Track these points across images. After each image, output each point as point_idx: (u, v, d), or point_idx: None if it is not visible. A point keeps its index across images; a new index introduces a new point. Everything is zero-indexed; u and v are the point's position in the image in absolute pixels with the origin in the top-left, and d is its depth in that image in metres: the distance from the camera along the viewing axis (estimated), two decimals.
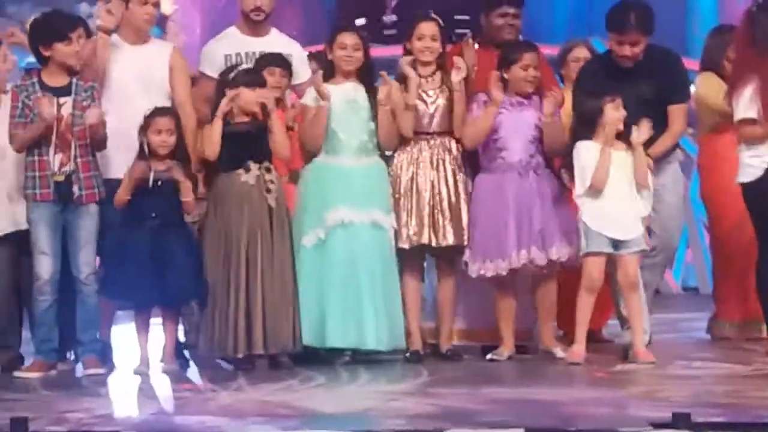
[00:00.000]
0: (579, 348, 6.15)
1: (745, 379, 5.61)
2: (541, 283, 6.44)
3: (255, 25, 6.80)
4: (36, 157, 6.22)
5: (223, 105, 6.15)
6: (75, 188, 6.22)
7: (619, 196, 6.12)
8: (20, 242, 6.41)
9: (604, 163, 6.08)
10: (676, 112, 6.62)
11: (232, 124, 6.23)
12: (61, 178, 6.22)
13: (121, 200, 6.19)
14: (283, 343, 6.19)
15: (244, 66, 6.36)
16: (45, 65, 6.35)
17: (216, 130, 6.15)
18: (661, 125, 6.47)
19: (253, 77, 6.26)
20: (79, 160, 6.23)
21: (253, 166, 6.20)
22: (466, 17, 8.98)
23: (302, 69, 6.82)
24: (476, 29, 7.34)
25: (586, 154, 6.15)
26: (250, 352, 6.15)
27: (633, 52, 6.48)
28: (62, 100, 6.24)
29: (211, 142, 6.15)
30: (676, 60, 6.80)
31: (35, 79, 6.34)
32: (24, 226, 6.32)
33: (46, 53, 6.30)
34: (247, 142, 6.22)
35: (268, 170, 6.23)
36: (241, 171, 6.19)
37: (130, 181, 6.13)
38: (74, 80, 6.31)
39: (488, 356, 6.33)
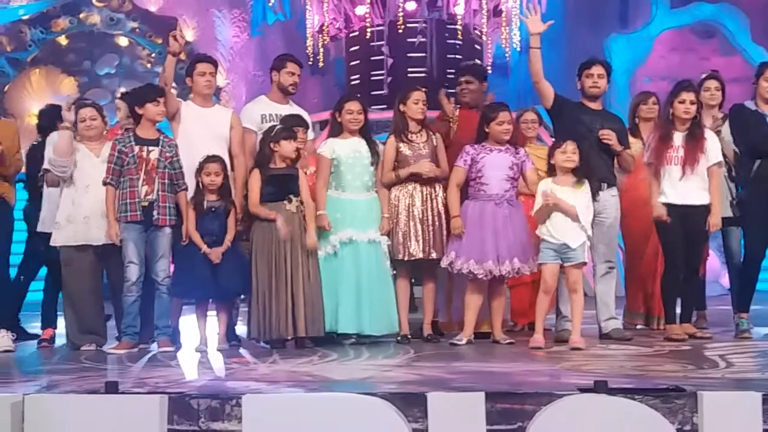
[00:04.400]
0: (539, 336, 6.03)
1: (647, 357, 5.59)
2: (495, 288, 6.36)
3: (282, 96, 6.82)
4: (128, 189, 6.26)
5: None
6: (155, 213, 6.25)
7: (561, 217, 6.03)
8: (104, 253, 6.43)
9: (545, 206, 5.99)
10: (627, 153, 6.58)
11: (274, 168, 6.26)
12: (145, 204, 6.25)
13: (191, 233, 6.23)
14: (317, 329, 6.20)
15: (280, 126, 6.37)
16: (138, 122, 6.40)
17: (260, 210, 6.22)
18: (611, 154, 6.49)
19: (290, 133, 6.30)
20: (159, 192, 6.27)
21: (294, 199, 6.23)
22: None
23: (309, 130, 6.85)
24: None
25: (542, 188, 6.07)
26: (296, 335, 6.14)
27: (597, 83, 6.46)
28: (151, 148, 6.31)
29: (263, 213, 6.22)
30: (622, 120, 6.80)
31: (131, 134, 6.39)
32: (106, 242, 6.33)
33: (140, 111, 6.36)
34: (287, 182, 6.25)
35: (302, 203, 6.26)
36: (285, 202, 6.22)
37: (194, 230, 6.21)
38: (161, 137, 6.37)
39: (450, 341, 6.24)
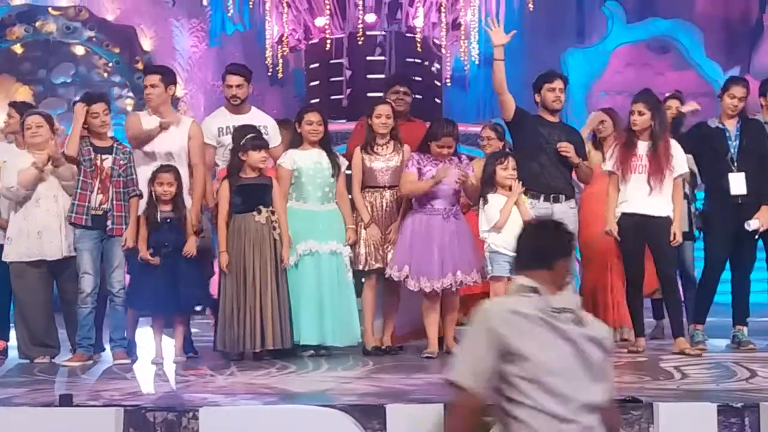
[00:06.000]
0: None
1: None
2: (447, 302, 6.32)
3: (236, 106, 6.69)
4: (79, 191, 6.18)
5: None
6: (108, 222, 6.18)
7: (513, 227, 6.00)
8: (57, 267, 6.32)
9: (507, 210, 6.07)
10: (584, 165, 6.63)
11: (244, 178, 6.19)
12: (99, 213, 6.17)
13: (139, 246, 6.16)
14: (285, 341, 6.13)
15: (251, 134, 6.26)
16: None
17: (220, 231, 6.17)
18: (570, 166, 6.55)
19: (259, 142, 6.24)
20: (114, 202, 6.20)
21: (264, 210, 6.17)
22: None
23: (275, 136, 6.73)
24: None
25: (490, 203, 6.16)
26: (264, 348, 6.05)
27: (560, 97, 6.51)
28: (104, 156, 6.23)
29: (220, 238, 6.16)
30: (579, 133, 6.83)
31: (87, 140, 6.29)
32: (60, 256, 6.25)
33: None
34: (257, 192, 6.19)
35: (272, 213, 6.20)
36: (255, 213, 6.15)
37: (143, 241, 6.15)
38: (115, 144, 6.30)
39: (423, 354, 6.17)
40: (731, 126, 6.54)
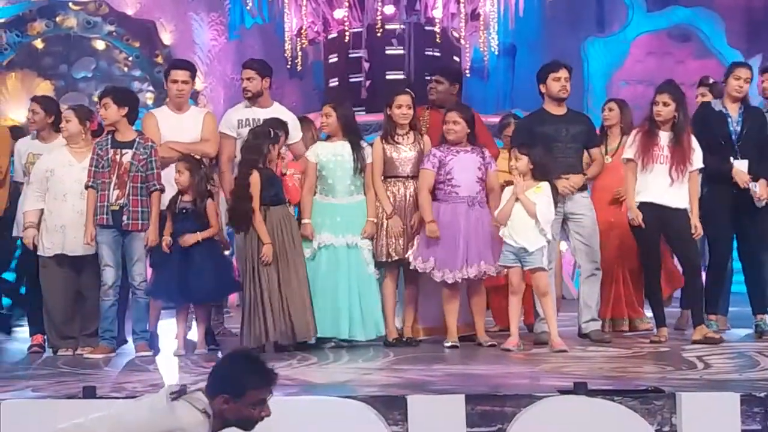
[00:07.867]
0: (514, 338, 6.02)
1: (626, 359, 5.61)
2: (474, 290, 6.33)
3: (253, 99, 6.66)
4: (100, 192, 6.22)
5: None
6: (124, 218, 6.19)
7: (521, 220, 6.01)
8: (80, 263, 6.37)
9: (507, 205, 6.04)
10: (597, 152, 6.67)
11: (270, 170, 6.19)
12: (116, 208, 6.19)
13: (165, 237, 6.19)
14: (308, 333, 6.12)
15: (271, 129, 6.25)
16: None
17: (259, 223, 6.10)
18: (579, 158, 6.53)
19: (276, 138, 6.23)
20: (131, 197, 6.20)
21: (287, 203, 6.21)
22: None
23: (295, 132, 6.70)
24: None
25: (508, 193, 6.13)
26: (296, 340, 6.05)
27: (566, 86, 6.46)
28: (125, 151, 6.24)
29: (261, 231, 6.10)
30: (588, 118, 6.80)
31: (109, 137, 6.34)
32: (81, 252, 6.28)
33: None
34: (279, 185, 6.19)
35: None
36: (280, 206, 6.16)
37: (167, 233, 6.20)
38: (137, 138, 6.30)
39: (445, 344, 6.16)
40: (734, 112, 6.49)
